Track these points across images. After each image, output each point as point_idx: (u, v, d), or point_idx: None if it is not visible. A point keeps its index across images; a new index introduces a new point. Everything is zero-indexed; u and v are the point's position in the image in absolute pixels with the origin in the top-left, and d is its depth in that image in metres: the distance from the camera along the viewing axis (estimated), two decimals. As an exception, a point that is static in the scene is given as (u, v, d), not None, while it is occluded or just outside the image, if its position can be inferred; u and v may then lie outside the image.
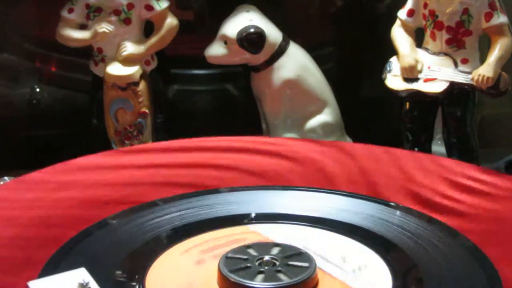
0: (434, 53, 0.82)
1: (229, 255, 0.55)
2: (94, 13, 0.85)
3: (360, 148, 0.78)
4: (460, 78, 0.80)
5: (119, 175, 0.71)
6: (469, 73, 0.80)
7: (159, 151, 0.77)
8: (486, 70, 0.78)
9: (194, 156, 0.76)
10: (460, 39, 0.81)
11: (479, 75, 0.78)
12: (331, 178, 0.72)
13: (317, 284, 0.53)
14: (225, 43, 0.87)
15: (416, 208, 0.66)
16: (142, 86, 0.85)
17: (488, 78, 0.78)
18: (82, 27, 0.86)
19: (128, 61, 0.85)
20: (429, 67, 0.82)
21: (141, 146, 0.79)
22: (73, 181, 0.69)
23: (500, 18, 0.79)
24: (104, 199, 0.66)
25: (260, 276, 0.52)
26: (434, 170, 0.73)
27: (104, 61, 0.86)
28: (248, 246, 0.56)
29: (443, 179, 0.71)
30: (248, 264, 0.53)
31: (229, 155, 0.76)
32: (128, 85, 0.84)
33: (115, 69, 0.84)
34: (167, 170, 0.72)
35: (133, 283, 0.53)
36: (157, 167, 0.73)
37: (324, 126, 0.91)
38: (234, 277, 0.52)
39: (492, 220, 0.65)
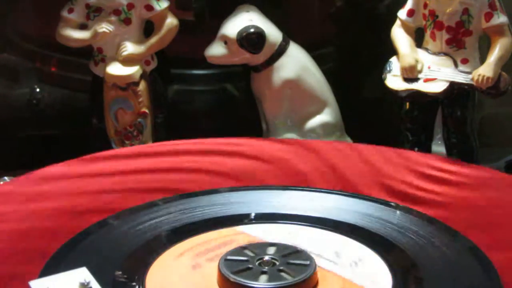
0: (434, 53, 0.82)
1: (228, 257, 0.54)
2: (94, 13, 0.85)
3: (324, 145, 0.80)
4: (460, 78, 0.80)
5: (88, 184, 0.70)
6: (469, 73, 0.80)
7: (122, 157, 0.76)
8: (486, 70, 0.78)
9: (159, 161, 0.76)
10: (460, 39, 0.81)
11: (479, 75, 0.78)
12: (303, 176, 0.73)
13: (317, 282, 0.54)
14: (225, 43, 0.87)
15: (393, 200, 0.67)
16: (142, 86, 0.85)
17: (488, 78, 0.78)
18: (82, 27, 0.86)
19: (128, 61, 0.85)
20: (429, 67, 0.82)
21: (105, 153, 0.78)
22: (43, 192, 0.68)
23: (500, 18, 0.79)
24: (78, 209, 0.64)
25: (264, 277, 0.52)
26: (400, 163, 0.75)
27: (104, 61, 0.86)
28: (244, 247, 0.56)
29: (410, 171, 0.73)
30: (249, 265, 0.53)
31: (193, 158, 0.76)
32: (128, 85, 0.84)
33: (115, 69, 0.84)
34: (135, 176, 0.72)
35: (134, 283, 0.53)
36: (124, 174, 0.72)
37: (324, 126, 0.91)
38: (237, 279, 0.52)
39: (471, 208, 0.66)
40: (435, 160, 0.76)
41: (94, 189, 0.69)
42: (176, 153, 0.77)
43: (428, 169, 0.74)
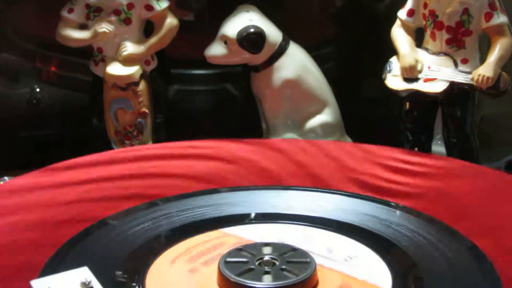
0: (434, 53, 0.82)
1: (227, 259, 0.54)
2: (94, 13, 0.85)
3: (285, 143, 0.81)
4: (460, 78, 0.80)
5: (59, 194, 0.68)
6: (469, 73, 0.80)
7: (88, 166, 0.75)
8: (486, 70, 0.78)
9: (127, 167, 0.75)
10: (460, 39, 0.81)
11: (479, 75, 0.78)
12: (273, 175, 0.73)
13: (317, 281, 0.54)
14: (225, 43, 0.87)
15: (366, 194, 0.68)
16: (142, 86, 0.85)
17: (488, 78, 0.78)
18: (82, 27, 0.86)
19: (128, 61, 0.85)
20: (429, 67, 0.82)
21: (67, 162, 0.75)
22: (14, 204, 0.66)
23: (500, 18, 0.79)
24: (55, 220, 0.63)
25: (268, 277, 0.52)
26: (364, 157, 0.77)
27: (104, 61, 0.86)
28: (240, 249, 0.56)
29: (376, 164, 0.75)
30: (251, 266, 0.53)
31: (159, 162, 0.76)
32: (128, 85, 0.84)
33: (115, 69, 0.84)
34: (106, 184, 0.71)
35: (134, 283, 0.54)
36: (94, 182, 0.71)
37: (324, 126, 0.91)
38: (241, 280, 0.52)
39: (444, 197, 0.68)
40: (397, 153, 0.78)
41: (66, 200, 0.67)
42: (141, 158, 0.77)
43: (392, 161, 0.76)
